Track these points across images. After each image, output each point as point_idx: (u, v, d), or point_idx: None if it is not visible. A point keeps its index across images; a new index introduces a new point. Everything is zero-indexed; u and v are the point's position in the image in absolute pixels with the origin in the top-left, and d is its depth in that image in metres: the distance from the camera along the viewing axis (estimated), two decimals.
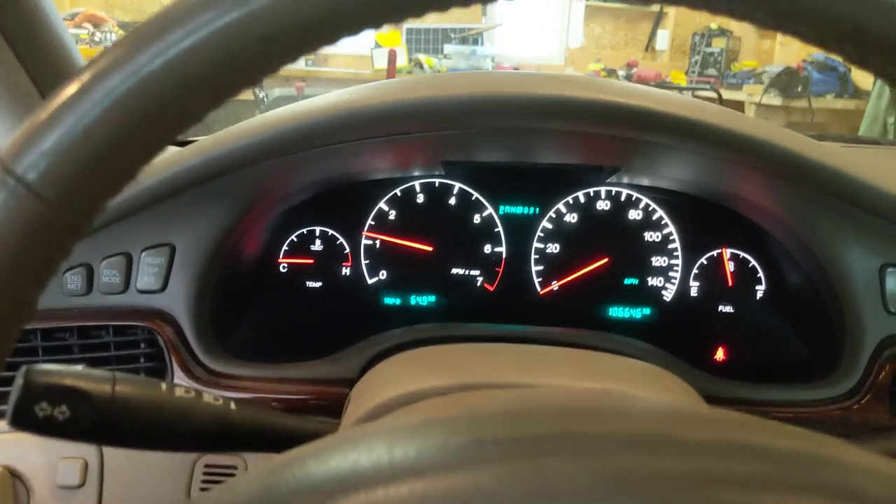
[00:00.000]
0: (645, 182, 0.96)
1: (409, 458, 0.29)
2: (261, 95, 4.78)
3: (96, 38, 4.95)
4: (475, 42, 6.09)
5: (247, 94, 4.38)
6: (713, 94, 4.85)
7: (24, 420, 0.49)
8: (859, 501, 0.28)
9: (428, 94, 0.76)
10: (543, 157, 0.92)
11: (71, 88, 0.31)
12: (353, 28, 0.32)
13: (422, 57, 6.07)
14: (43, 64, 0.76)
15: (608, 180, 0.96)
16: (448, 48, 5.99)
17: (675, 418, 0.32)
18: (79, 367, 0.51)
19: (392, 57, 5.60)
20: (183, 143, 0.87)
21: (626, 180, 0.96)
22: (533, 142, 0.88)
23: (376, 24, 0.32)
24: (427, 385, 0.65)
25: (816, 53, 4.90)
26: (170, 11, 0.31)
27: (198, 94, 0.32)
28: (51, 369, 0.49)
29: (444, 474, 0.28)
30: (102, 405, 0.50)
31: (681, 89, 5.47)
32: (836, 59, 4.84)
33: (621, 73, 6.09)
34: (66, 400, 0.49)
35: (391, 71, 5.68)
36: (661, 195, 0.97)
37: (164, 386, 0.54)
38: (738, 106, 4.99)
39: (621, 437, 0.30)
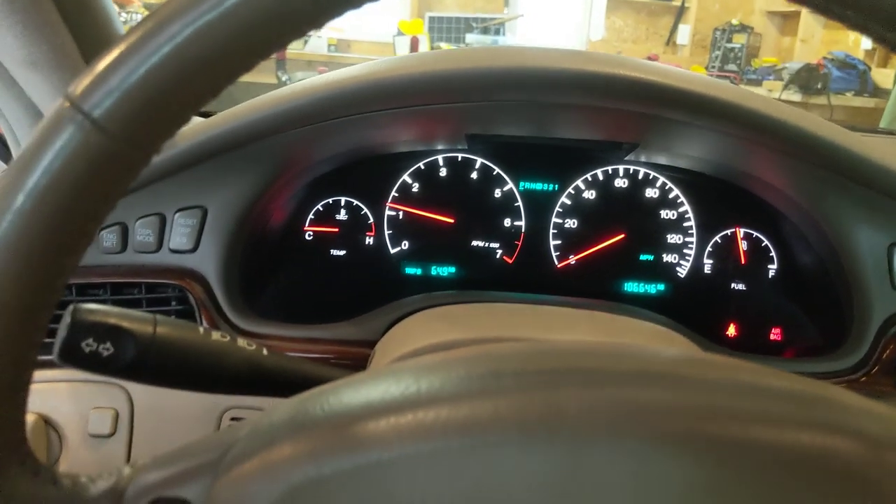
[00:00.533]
0: (662, 160, 0.98)
1: (435, 388, 0.32)
2: (283, 79, 4.81)
3: (122, 19, 4.97)
4: (497, 32, 6.09)
5: (270, 78, 4.39)
6: None
7: (70, 355, 0.51)
8: (857, 437, 0.30)
9: (452, 67, 0.79)
10: (564, 132, 0.95)
11: (136, 34, 0.34)
12: None
13: (444, 45, 6.08)
14: (87, 29, 0.79)
15: (626, 158, 0.98)
16: (470, 37, 5.99)
17: (684, 361, 0.35)
18: (123, 309, 0.54)
19: (414, 45, 5.62)
20: (207, 115, 0.90)
21: (643, 159, 0.99)
22: (554, 116, 0.90)
23: None
24: (449, 338, 0.68)
25: (837, 51, 4.88)
26: None
27: (250, 43, 0.34)
28: (97, 308, 0.52)
29: (466, 401, 0.31)
30: (144, 344, 0.53)
31: None
32: (856, 57, 4.82)
33: None
34: (110, 337, 0.52)
35: None
36: (678, 174, 0.99)
37: (201, 329, 0.57)
38: None
39: (632, 374, 0.32)
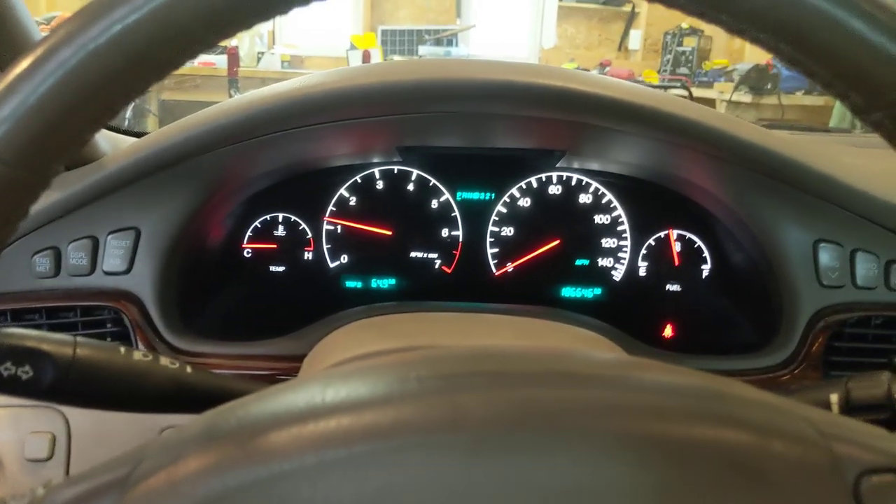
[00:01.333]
0: (594, 166, 0.99)
1: (340, 397, 0.32)
2: (236, 96, 4.77)
3: None
4: (449, 43, 6.11)
5: (222, 96, 4.36)
6: (684, 92, 4.89)
7: None
8: (744, 427, 0.31)
9: (379, 80, 0.80)
10: (494, 141, 0.96)
11: (26, 62, 0.34)
12: (282, 7, 0.35)
13: (397, 58, 6.08)
14: (4, 44, 0.78)
15: (559, 165, 0.99)
16: (422, 49, 6.01)
17: (582, 360, 0.36)
18: (42, 332, 0.54)
19: (367, 58, 5.62)
20: (140, 135, 0.90)
21: (576, 165, 1.00)
22: (483, 126, 0.92)
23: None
24: (373, 348, 0.69)
25: None
26: None
27: (141, 67, 0.35)
28: (14, 332, 0.52)
29: (369, 409, 0.31)
30: (64, 366, 0.53)
31: (653, 87, 5.52)
32: None
33: (594, 72, 6.14)
34: (28, 360, 0.52)
35: None
36: (610, 179, 1.01)
37: (122, 349, 0.57)
38: (710, 103, 5.00)
39: (528, 374, 0.33)
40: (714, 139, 0.80)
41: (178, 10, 0.34)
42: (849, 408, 0.58)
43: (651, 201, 1.01)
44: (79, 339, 0.55)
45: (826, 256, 0.85)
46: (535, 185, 1.02)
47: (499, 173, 1.02)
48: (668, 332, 1.00)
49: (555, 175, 1.01)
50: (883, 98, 0.34)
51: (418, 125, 0.90)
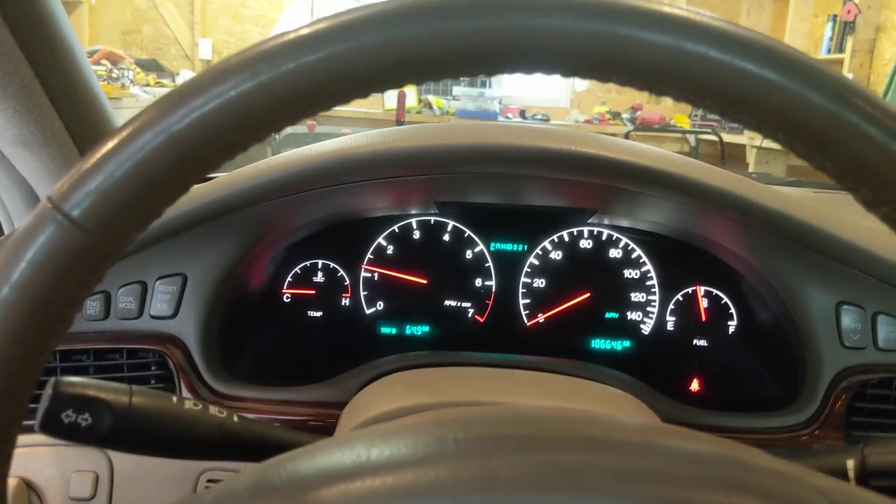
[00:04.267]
0: (624, 223, 1.02)
1: (384, 456, 0.35)
2: (282, 153, 4.81)
3: (114, 75, 5.01)
4: (483, 84, 6.18)
5: None
6: (715, 138, 4.90)
7: (51, 426, 0.54)
8: (758, 495, 0.34)
9: (418, 144, 0.83)
10: (529, 199, 1.00)
11: (112, 142, 0.38)
12: (341, 99, 0.39)
13: (431, 98, 6.15)
14: (75, 110, 0.83)
15: (590, 221, 1.02)
16: (457, 90, 6.09)
17: (608, 425, 0.38)
18: (101, 380, 0.57)
19: (401, 97, 5.70)
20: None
21: (606, 221, 1.03)
22: (517, 186, 0.95)
23: (364, 94, 0.39)
24: (409, 403, 0.71)
25: None
26: (196, 80, 0.37)
27: (214, 149, 0.38)
28: (76, 381, 0.55)
29: (410, 469, 0.34)
30: (121, 414, 0.56)
31: (683, 132, 5.55)
32: None
33: (626, 115, 6.16)
34: (88, 408, 0.55)
35: (400, 111, 5.78)
36: (640, 236, 1.03)
37: (174, 398, 0.60)
38: (740, 149, 5.02)
39: (556, 439, 0.36)
40: (738, 206, 0.83)
41: (249, 99, 0.37)
42: (865, 474, 0.60)
43: (679, 258, 1.03)
44: (134, 387, 0.58)
45: (848, 318, 0.87)
46: (566, 238, 1.05)
47: (532, 227, 1.05)
48: (694, 386, 1.02)
49: (586, 230, 1.04)
50: (889, 193, 0.37)
51: (454, 183, 0.93)
